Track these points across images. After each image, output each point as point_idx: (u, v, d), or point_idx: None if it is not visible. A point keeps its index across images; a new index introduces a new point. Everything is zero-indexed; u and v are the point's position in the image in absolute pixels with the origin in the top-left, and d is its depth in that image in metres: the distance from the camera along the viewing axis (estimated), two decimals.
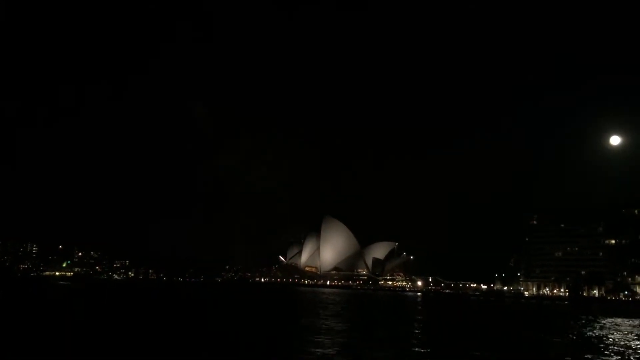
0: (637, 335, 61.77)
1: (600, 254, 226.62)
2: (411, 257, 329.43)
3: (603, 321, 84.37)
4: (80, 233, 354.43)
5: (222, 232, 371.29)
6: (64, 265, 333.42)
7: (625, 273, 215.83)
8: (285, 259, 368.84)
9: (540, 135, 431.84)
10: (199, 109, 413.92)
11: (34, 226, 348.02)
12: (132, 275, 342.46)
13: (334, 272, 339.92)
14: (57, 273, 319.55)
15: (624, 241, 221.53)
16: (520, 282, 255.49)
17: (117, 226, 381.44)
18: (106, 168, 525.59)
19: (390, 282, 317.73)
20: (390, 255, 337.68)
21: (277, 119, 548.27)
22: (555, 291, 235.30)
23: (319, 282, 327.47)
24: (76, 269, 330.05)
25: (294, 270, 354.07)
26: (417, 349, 41.03)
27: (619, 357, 40.44)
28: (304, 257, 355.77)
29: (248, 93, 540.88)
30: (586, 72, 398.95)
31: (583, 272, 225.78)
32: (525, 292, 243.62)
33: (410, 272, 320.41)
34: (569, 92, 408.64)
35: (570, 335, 59.12)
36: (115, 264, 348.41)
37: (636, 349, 46.69)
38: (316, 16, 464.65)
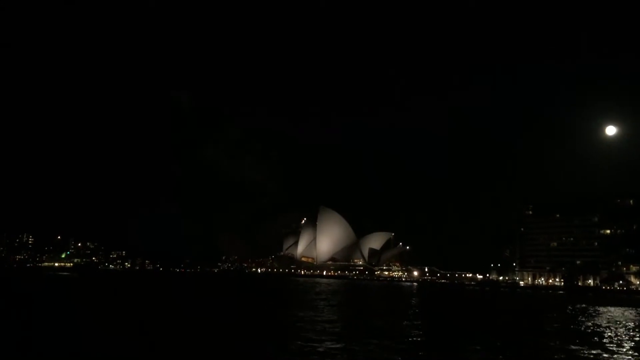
0: (631, 324, 62.24)
1: (595, 243, 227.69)
2: (407, 247, 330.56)
3: (598, 310, 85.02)
4: (74, 224, 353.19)
5: (212, 222, 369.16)
6: (63, 256, 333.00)
7: (620, 263, 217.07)
8: (281, 250, 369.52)
9: (534, 124, 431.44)
10: (186, 98, 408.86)
11: (28, 217, 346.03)
12: (129, 265, 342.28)
13: (330, 262, 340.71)
14: (56, 264, 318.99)
15: (618, 231, 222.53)
16: (516, 272, 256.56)
17: (109, 217, 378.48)
18: (96, 159, 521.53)
19: (386, 272, 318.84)
20: (387, 246, 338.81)
21: (267, 108, 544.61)
22: (550, 281, 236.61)
23: (316, 273, 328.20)
24: (76, 260, 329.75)
25: (291, 260, 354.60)
26: (410, 343, 41.27)
27: (614, 346, 40.78)
28: (301, 247, 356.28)
29: (235, 81, 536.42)
30: (584, 66, 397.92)
31: (578, 262, 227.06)
32: (521, 282, 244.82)
33: (406, 262, 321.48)
34: (562, 82, 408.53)
35: (566, 324, 59.55)
36: (112, 254, 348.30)
37: (630, 337, 47.08)
38: (306, 6, 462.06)
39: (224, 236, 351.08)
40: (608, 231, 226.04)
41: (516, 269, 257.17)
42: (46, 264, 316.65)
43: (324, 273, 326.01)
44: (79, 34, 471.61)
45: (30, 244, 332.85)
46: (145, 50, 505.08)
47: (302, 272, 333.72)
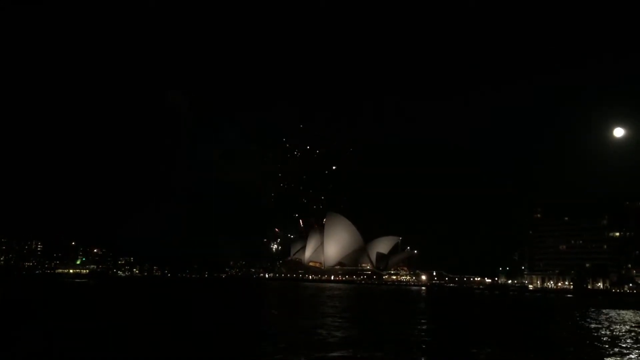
0: None
1: (605, 246, 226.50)
2: (415, 251, 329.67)
3: (608, 313, 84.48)
4: (79, 230, 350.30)
5: (218, 227, 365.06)
6: (78, 262, 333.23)
7: (629, 265, 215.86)
8: (289, 255, 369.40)
9: (541, 126, 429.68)
10: (181, 98, 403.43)
11: (34, 224, 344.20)
12: (137, 272, 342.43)
13: (338, 267, 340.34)
14: (70, 270, 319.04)
15: (628, 234, 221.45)
16: (525, 276, 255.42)
17: (112, 222, 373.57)
18: (95, 162, 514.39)
19: (394, 277, 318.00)
20: (394, 250, 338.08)
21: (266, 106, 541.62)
22: (559, 284, 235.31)
23: (323, 277, 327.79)
24: (91, 267, 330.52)
25: (298, 265, 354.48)
26: (418, 347, 41.28)
27: (626, 349, 40.57)
28: (308, 252, 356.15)
29: (233, 81, 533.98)
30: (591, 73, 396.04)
31: (587, 265, 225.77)
32: (530, 286, 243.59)
33: (414, 266, 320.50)
34: (571, 83, 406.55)
35: (575, 328, 59.27)
36: (120, 260, 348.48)
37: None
38: (306, 6, 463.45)
39: (229, 241, 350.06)
40: (617, 234, 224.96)
41: (525, 272, 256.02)
42: (59, 270, 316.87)
43: (332, 278, 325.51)
44: (78, 34, 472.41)
45: (39, 250, 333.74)
46: (142, 50, 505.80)
47: (310, 277, 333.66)
